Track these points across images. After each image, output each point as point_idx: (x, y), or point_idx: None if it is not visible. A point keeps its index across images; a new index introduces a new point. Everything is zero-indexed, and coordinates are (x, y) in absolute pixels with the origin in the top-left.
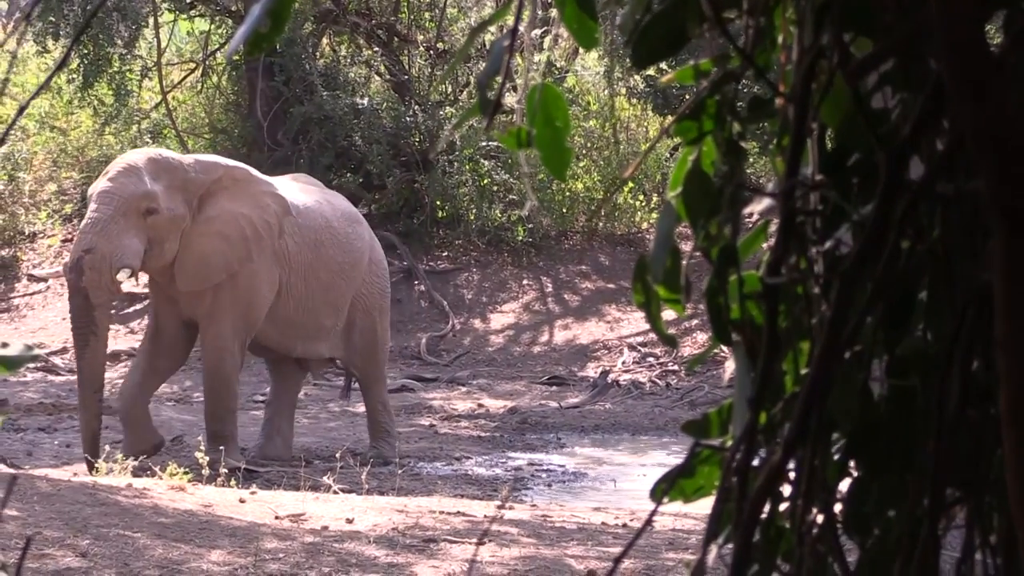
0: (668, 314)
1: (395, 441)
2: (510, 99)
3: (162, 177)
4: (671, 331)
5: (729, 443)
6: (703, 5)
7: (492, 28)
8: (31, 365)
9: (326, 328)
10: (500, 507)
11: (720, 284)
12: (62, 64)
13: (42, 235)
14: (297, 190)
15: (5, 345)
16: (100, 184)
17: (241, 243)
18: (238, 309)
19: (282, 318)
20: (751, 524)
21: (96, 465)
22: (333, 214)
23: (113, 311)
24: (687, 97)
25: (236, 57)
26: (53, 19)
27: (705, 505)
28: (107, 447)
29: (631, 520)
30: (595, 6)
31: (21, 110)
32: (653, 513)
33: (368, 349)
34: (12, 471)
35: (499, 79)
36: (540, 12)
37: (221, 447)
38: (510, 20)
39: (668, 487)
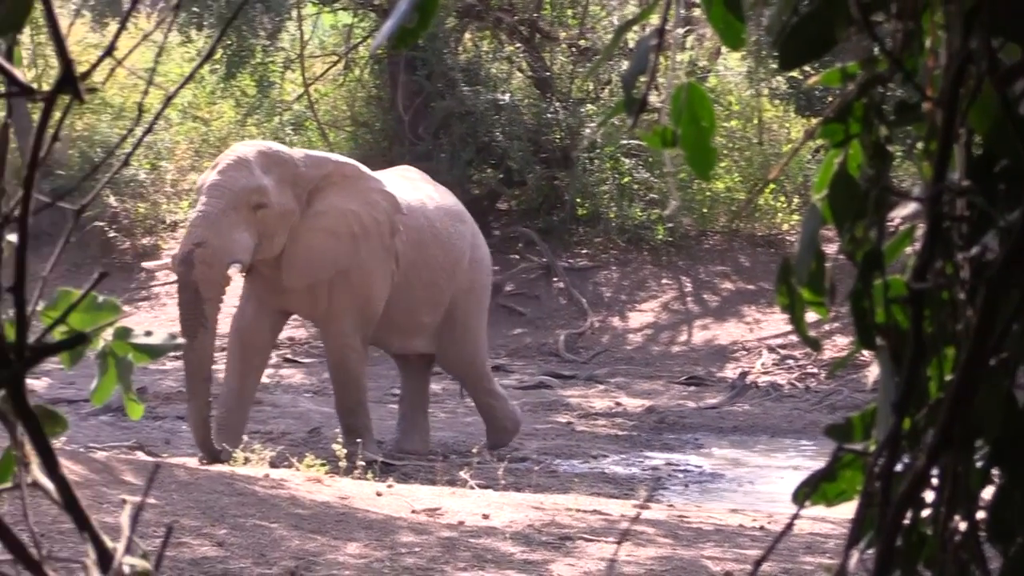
0: (809, 316)
1: (511, 424)
2: (654, 98)
3: (273, 171)
4: (811, 334)
5: (872, 448)
6: (851, 8)
7: (635, 26)
8: (170, 353)
9: (424, 324)
10: (638, 507)
11: (865, 288)
12: (208, 55)
13: (183, 224)
14: (403, 186)
15: (148, 333)
16: (210, 176)
17: (349, 240)
18: (356, 304)
19: (386, 315)
20: (893, 530)
21: (233, 455)
22: (436, 213)
23: None
24: (830, 99)
25: (380, 51)
26: (197, 9)
27: (843, 509)
28: (245, 437)
29: (768, 522)
30: (742, 6)
31: (168, 100)
32: (795, 516)
33: (467, 348)
34: (152, 459)
35: (644, 78)
36: (683, 11)
37: (358, 439)
38: (655, 19)
39: (810, 491)
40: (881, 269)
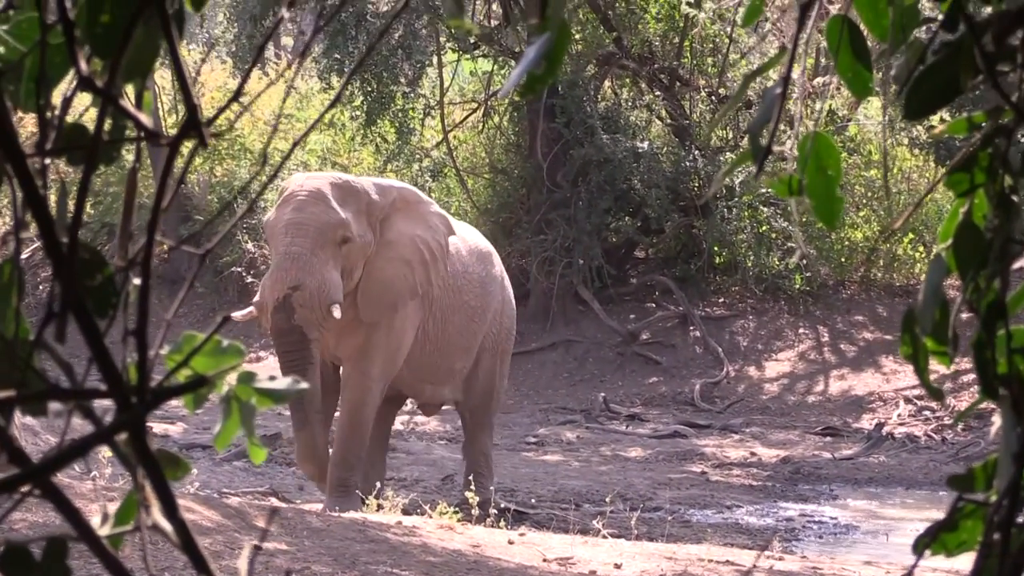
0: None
1: (491, 492)
2: (787, 146)
3: (349, 203)
4: (947, 384)
5: (993, 498)
6: (977, 58)
7: (773, 75)
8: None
9: (456, 371)
10: (762, 554)
11: (988, 338)
12: (335, 100)
13: None
14: None
15: (272, 378)
16: (287, 214)
17: (421, 267)
18: (389, 350)
19: (418, 361)
20: None
21: (366, 501)
22: (469, 257)
23: None
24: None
25: (516, 97)
26: (338, 56)
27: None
28: (378, 484)
29: (902, 575)
30: (870, 55)
31: (294, 146)
32: (914, 566)
33: (485, 392)
34: (279, 504)
35: (771, 126)
36: (823, 60)
37: (342, 497)
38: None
39: (930, 541)
40: (1004, 319)
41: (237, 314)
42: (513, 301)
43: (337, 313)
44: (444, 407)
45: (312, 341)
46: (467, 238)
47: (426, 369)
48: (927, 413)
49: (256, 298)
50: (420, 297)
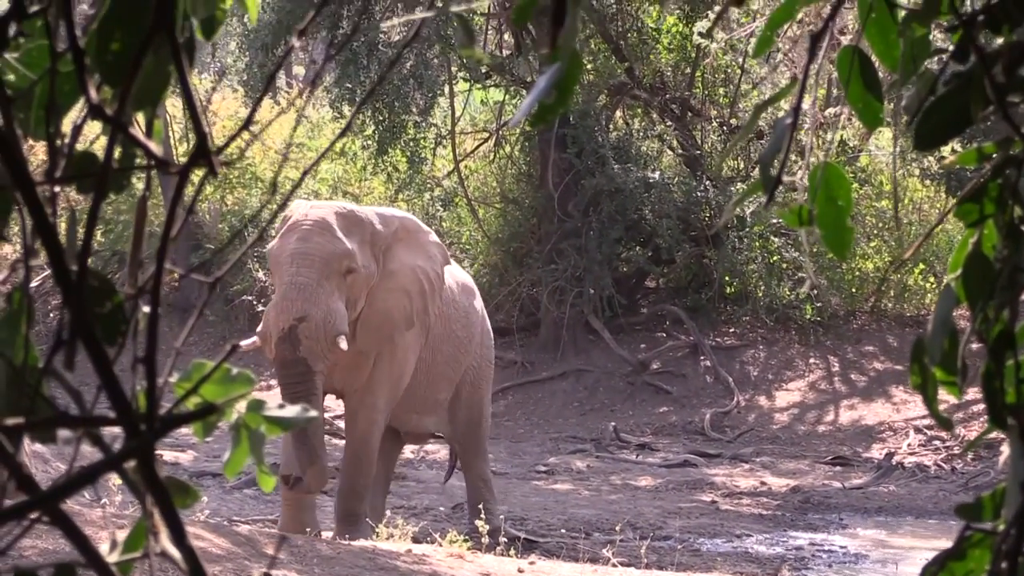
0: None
1: (499, 519)
2: (797, 176)
3: (354, 233)
4: (957, 414)
5: (1001, 527)
6: (987, 89)
7: (784, 105)
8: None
9: (440, 402)
10: None
11: (997, 368)
12: (346, 130)
13: None
14: None
15: (282, 406)
16: (291, 243)
17: (419, 297)
18: (393, 380)
19: (407, 390)
20: None
21: (376, 530)
22: (456, 287)
23: None
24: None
25: (528, 127)
26: (349, 85)
27: None
28: (388, 512)
29: None
30: (881, 86)
31: (305, 173)
32: None
33: (472, 423)
34: (286, 533)
35: (781, 157)
36: (834, 91)
37: (352, 527)
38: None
39: (938, 569)
40: (1013, 350)
41: (242, 343)
42: (491, 333)
43: (343, 344)
44: (438, 436)
45: (317, 373)
46: (452, 271)
47: (413, 398)
48: (937, 443)
49: (259, 327)
50: (418, 326)
